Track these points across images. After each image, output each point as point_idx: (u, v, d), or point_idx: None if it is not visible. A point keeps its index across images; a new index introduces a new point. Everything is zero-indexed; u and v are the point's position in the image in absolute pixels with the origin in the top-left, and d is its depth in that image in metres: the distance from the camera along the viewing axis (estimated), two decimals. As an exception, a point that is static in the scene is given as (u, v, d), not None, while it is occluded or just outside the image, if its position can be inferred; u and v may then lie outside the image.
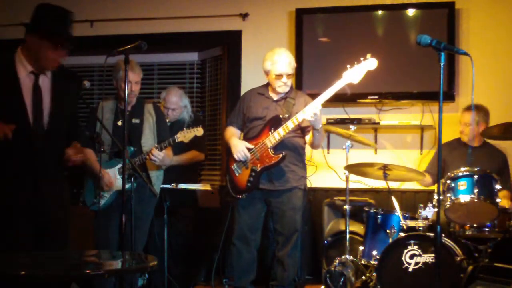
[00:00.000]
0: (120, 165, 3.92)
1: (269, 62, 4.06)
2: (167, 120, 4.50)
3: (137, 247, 3.87)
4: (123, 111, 3.89)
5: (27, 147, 3.03)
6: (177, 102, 4.67)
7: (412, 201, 4.82)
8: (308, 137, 4.09)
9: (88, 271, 2.51)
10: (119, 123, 3.98)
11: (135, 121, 4.04)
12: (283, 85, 4.07)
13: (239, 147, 4.03)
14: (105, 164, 3.94)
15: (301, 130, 4.10)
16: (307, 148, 4.25)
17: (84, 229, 4.25)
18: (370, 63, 3.82)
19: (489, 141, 4.50)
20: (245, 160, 4.02)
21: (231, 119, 4.30)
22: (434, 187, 4.60)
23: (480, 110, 4.41)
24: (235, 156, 4.03)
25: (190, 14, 5.43)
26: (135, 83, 3.99)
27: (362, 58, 3.83)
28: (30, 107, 3.05)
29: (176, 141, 3.99)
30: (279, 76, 4.03)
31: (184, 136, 4.00)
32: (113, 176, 3.97)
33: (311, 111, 3.78)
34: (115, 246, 3.93)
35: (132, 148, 3.93)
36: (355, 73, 3.82)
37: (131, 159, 3.77)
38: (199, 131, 4.02)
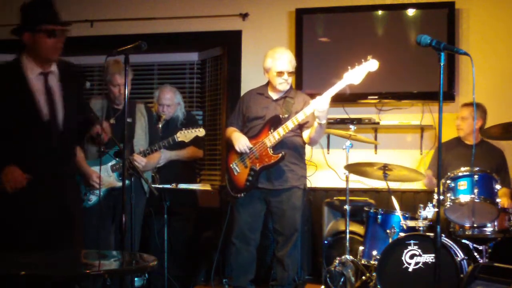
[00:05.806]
0: (112, 162, 3.92)
1: (270, 60, 4.06)
2: (162, 117, 4.53)
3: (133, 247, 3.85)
4: (116, 110, 3.96)
5: (46, 147, 3.07)
6: (172, 98, 4.68)
7: (412, 201, 4.82)
8: (308, 133, 4.04)
9: (88, 271, 2.51)
10: (112, 121, 3.97)
11: (128, 120, 4.01)
12: (284, 82, 4.06)
13: (241, 140, 4.03)
14: (97, 161, 3.89)
15: (300, 127, 4.09)
16: (307, 148, 4.25)
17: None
18: (371, 65, 3.81)
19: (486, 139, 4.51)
20: (246, 153, 4.01)
21: (231, 120, 4.30)
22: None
23: (477, 107, 4.44)
24: (237, 148, 4.02)
25: (190, 14, 5.43)
26: (123, 85, 3.93)
27: (363, 60, 3.82)
28: (45, 109, 3.08)
29: (176, 140, 3.99)
30: (280, 73, 4.03)
31: (185, 136, 4.00)
32: (107, 174, 3.94)
33: (316, 107, 3.78)
34: (107, 246, 3.90)
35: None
36: (355, 74, 3.80)
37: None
38: (201, 132, 4.01)
